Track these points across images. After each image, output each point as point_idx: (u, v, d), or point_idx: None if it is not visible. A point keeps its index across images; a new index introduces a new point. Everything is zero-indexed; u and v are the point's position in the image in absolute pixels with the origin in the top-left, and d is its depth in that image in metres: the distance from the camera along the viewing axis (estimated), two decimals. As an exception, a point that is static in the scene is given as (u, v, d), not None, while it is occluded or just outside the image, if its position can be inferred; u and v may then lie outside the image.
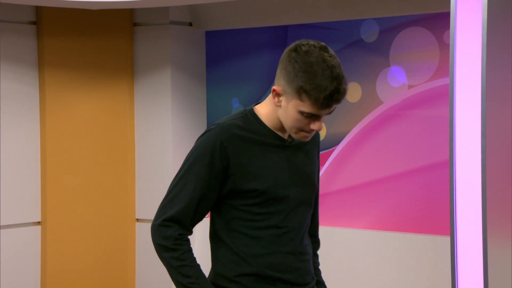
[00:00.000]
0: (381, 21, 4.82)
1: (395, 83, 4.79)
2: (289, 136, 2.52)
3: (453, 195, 3.41)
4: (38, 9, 5.23)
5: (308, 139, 2.48)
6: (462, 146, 3.40)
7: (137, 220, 5.52)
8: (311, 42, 2.53)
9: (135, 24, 5.48)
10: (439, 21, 4.60)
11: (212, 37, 5.49)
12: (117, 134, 5.45)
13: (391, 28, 4.80)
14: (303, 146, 2.56)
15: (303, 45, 2.52)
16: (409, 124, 4.75)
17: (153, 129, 5.43)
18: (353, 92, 4.93)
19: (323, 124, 2.67)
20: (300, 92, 2.38)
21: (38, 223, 5.28)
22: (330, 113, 2.42)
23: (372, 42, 4.87)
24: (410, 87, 4.74)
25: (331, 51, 2.45)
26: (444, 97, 4.51)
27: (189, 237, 2.67)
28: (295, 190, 2.54)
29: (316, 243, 2.73)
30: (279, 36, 5.19)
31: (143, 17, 5.46)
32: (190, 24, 5.47)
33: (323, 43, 2.51)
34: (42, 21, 5.21)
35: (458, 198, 3.40)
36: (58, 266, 5.28)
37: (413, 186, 4.72)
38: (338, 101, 2.38)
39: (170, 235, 2.63)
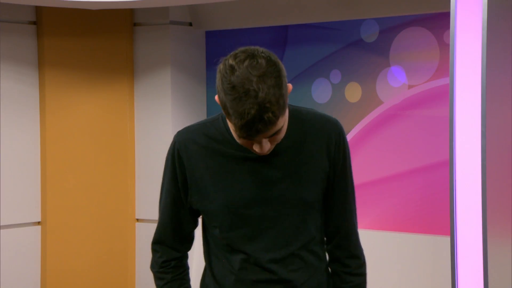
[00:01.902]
0: (381, 21, 4.82)
1: (395, 83, 4.79)
2: None
3: (453, 195, 3.41)
4: (38, 9, 5.23)
5: (265, 153, 2.06)
6: (462, 146, 3.40)
7: (137, 220, 5.52)
8: (242, 54, 2.03)
9: (135, 24, 5.48)
10: (439, 21, 4.60)
11: (212, 37, 5.49)
12: (117, 134, 5.45)
13: (391, 28, 4.80)
14: (291, 149, 2.15)
15: (233, 56, 2.05)
16: (409, 124, 4.75)
17: (153, 129, 5.43)
18: (353, 92, 4.93)
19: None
20: (226, 112, 2.02)
21: (38, 223, 5.28)
22: (271, 136, 2.02)
23: (372, 42, 4.87)
24: (410, 87, 4.74)
25: (265, 67, 1.99)
26: (444, 97, 4.51)
27: (185, 254, 2.39)
28: (262, 208, 2.16)
29: (347, 267, 2.28)
30: (279, 36, 5.19)
31: (143, 17, 5.46)
32: (190, 24, 5.46)
33: (260, 53, 2.02)
34: (42, 21, 5.21)
35: (458, 198, 3.40)
36: (58, 266, 5.28)
37: (413, 186, 4.72)
38: (261, 131, 1.97)
39: (155, 262, 2.37)
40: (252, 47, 2.06)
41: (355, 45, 4.92)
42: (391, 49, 4.80)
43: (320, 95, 5.06)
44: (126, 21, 5.43)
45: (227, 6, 5.24)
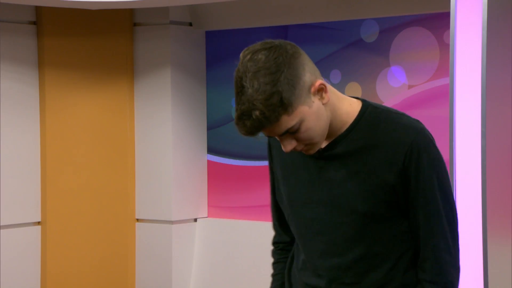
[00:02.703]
0: (381, 21, 4.82)
1: (395, 83, 4.79)
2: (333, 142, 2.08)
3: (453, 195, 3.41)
4: (38, 9, 5.23)
5: (308, 153, 2.02)
6: (462, 146, 3.40)
7: (137, 220, 5.51)
8: (253, 47, 2.00)
9: (135, 24, 5.48)
10: (439, 21, 4.61)
11: (212, 37, 5.49)
12: (117, 134, 5.45)
13: (391, 28, 4.80)
14: (356, 154, 2.05)
15: (247, 48, 2.01)
16: (409, 124, 4.74)
17: (153, 129, 5.43)
18: (353, 92, 4.93)
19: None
20: None
21: (38, 223, 5.28)
22: (287, 133, 1.97)
23: (372, 42, 4.87)
24: (410, 87, 4.74)
25: (262, 63, 1.94)
26: (444, 97, 4.51)
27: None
28: (316, 210, 2.10)
29: None
30: (279, 36, 5.18)
31: (143, 17, 5.46)
32: (190, 24, 5.47)
33: (268, 47, 1.99)
34: (42, 21, 5.21)
35: (458, 198, 3.40)
36: (58, 266, 5.28)
37: (413, 186, 4.72)
38: (252, 129, 1.93)
39: (272, 240, 2.33)
40: (274, 40, 2.02)
41: (355, 45, 4.92)
42: (391, 49, 4.80)
43: (320, 95, 5.06)
44: (126, 21, 5.43)
45: (227, 6, 5.24)
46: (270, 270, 2.35)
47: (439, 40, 4.63)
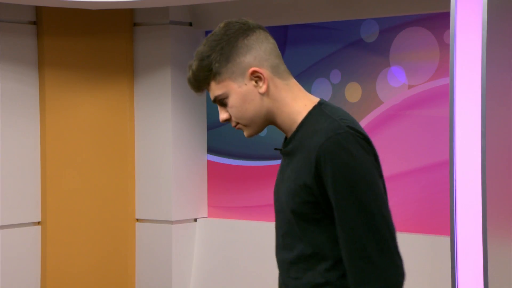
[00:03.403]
0: (381, 21, 4.82)
1: (395, 83, 4.79)
2: (289, 139, 2.17)
3: (453, 195, 3.41)
4: (38, 9, 5.23)
5: (245, 134, 2.19)
6: (462, 146, 3.40)
7: (137, 220, 5.52)
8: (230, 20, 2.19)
9: (135, 24, 5.48)
10: (439, 21, 4.60)
11: (212, 37, 5.49)
12: (117, 134, 5.45)
13: (391, 28, 4.80)
14: (295, 154, 2.13)
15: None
16: (409, 124, 4.75)
17: (153, 129, 5.43)
18: (353, 92, 4.93)
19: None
20: None
21: (38, 223, 5.28)
22: (216, 102, 2.17)
23: (372, 42, 4.87)
24: (410, 87, 4.74)
25: (216, 32, 2.14)
26: (444, 97, 4.51)
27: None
28: (276, 205, 2.21)
29: None
30: (279, 36, 5.19)
31: (143, 17, 5.46)
32: (190, 24, 5.47)
33: (229, 22, 2.17)
34: (42, 21, 5.21)
35: (458, 198, 3.40)
36: (58, 266, 5.28)
37: (413, 186, 4.72)
38: (189, 80, 2.18)
39: None
40: (249, 21, 2.17)
41: (355, 45, 4.92)
42: (391, 49, 4.80)
43: (320, 95, 5.02)
44: (126, 21, 5.43)
45: (227, 6, 5.24)
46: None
47: (439, 40, 4.63)
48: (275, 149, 2.24)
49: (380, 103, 4.84)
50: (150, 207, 5.45)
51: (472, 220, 3.37)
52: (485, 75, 3.30)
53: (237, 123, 2.19)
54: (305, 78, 5.09)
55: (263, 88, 2.13)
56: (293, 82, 2.18)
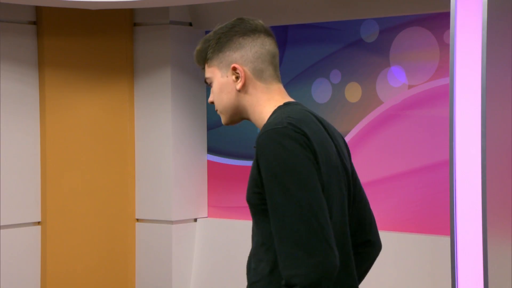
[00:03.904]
0: (381, 21, 4.82)
1: (395, 83, 4.79)
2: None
3: (453, 195, 3.41)
4: (38, 9, 5.23)
5: (222, 121, 2.42)
6: (462, 146, 3.40)
7: (137, 220, 5.52)
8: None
9: (135, 24, 5.48)
10: (439, 21, 4.60)
11: (212, 37, 5.49)
12: (117, 134, 5.45)
13: (391, 28, 4.80)
14: None
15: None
16: (409, 124, 4.75)
17: (153, 129, 5.43)
18: (353, 92, 4.93)
19: None
20: None
21: (38, 223, 5.28)
22: (206, 82, 2.40)
23: (372, 42, 4.87)
24: (410, 87, 4.74)
25: (225, 24, 2.37)
26: (444, 97, 4.51)
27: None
28: None
29: None
30: (279, 36, 5.19)
31: (143, 17, 5.46)
32: (190, 24, 5.47)
33: (239, 19, 2.39)
34: (42, 21, 5.21)
35: (458, 198, 3.40)
36: (58, 266, 5.28)
37: (413, 186, 4.72)
38: (194, 56, 2.42)
39: None
40: (259, 23, 2.37)
41: (355, 45, 4.92)
42: (391, 49, 4.80)
43: (320, 95, 5.06)
44: (126, 21, 5.43)
45: (227, 6, 5.24)
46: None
47: (439, 40, 4.63)
48: (254, 147, 2.30)
49: (380, 103, 4.84)
50: (150, 207, 5.45)
51: (472, 220, 3.37)
52: (485, 75, 3.30)
53: (217, 110, 2.40)
54: (305, 78, 5.09)
55: (238, 85, 2.31)
56: (277, 87, 2.32)
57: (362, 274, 2.47)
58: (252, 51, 2.31)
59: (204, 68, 2.40)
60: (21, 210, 5.19)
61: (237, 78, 2.31)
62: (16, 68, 5.16)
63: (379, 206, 4.82)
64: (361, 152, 4.90)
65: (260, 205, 2.18)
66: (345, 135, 4.95)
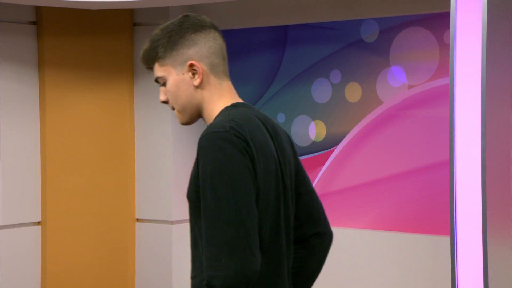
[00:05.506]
0: (381, 21, 4.82)
1: (395, 83, 4.79)
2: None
3: (453, 195, 3.41)
4: (38, 9, 5.23)
5: (178, 120, 2.38)
6: (462, 146, 3.40)
7: (137, 220, 5.52)
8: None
9: (135, 24, 5.48)
10: (439, 21, 4.61)
11: (212, 37, 5.49)
12: (117, 134, 5.45)
13: (391, 28, 4.80)
14: None
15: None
16: (409, 124, 4.75)
17: (153, 129, 5.43)
18: (353, 92, 4.93)
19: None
20: None
21: (38, 223, 5.28)
22: (158, 82, 2.36)
23: (372, 42, 4.87)
24: (410, 87, 4.74)
25: (170, 22, 2.37)
26: (444, 97, 4.51)
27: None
28: None
29: None
30: (279, 36, 5.19)
31: (143, 17, 5.46)
32: (190, 24, 5.46)
33: (186, 16, 2.41)
34: (42, 21, 5.21)
35: (458, 198, 3.40)
36: (58, 266, 5.28)
37: (413, 186, 4.72)
38: (141, 58, 2.37)
39: None
40: (205, 18, 2.39)
41: (355, 45, 4.92)
42: (391, 49, 4.80)
43: (320, 95, 5.06)
44: (126, 21, 5.43)
45: (227, 6, 5.24)
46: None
47: (439, 40, 4.63)
48: None
49: (380, 103, 4.84)
50: (150, 207, 5.45)
51: (472, 220, 3.37)
52: (485, 75, 3.30)
53: (174, 108, 2.36)
54: (305, 78, 5.09)
55: (197, 81, 2.30)
56: (227, 84, 2.34)
57: (316, 267, 2.49)
58: (206, 47, 2.32)
59: (151, 68, 2.37)
60: (21, 210, 5.19)
61: (193, 74, 2.31)
62: (16, 68, 5.16)
63: (379, 206, 4.82)
64: (361, 152, 4.90)
65: (199, 203, 2.21)
66: (345, 135, 4.95)
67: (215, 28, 2.37)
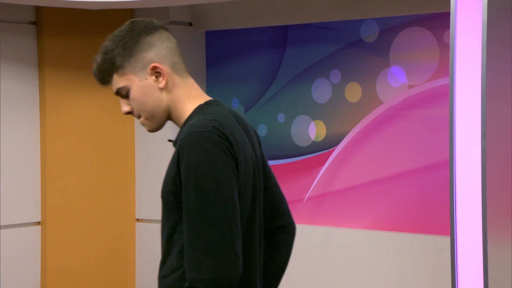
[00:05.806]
0: (381, 21, 4.83)
1: (395, 83, 4.79)
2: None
3: (453, 195, 3.41)
4: (38, 9, 5.23)
5: (146, 128, 2.37)
6: (462, 146, 3.40)
7: (137, 220, 5.52)
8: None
9: (135, 24, 5.48)
10: (439, 21, 4.61)
11: (212, 37, 5.49)
12: (117, 134, 5.45)
13: (391, 28, 4.80)
14: (175, 147, 2.28)
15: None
16: (409, 124, 4.75)
17: (153, 129, 5.42)
18: (353, 92, 4.93)
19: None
20: None
21: (38, 223, 5.28)
22: (119, 94, 2.28)
23: (372, 42, 4.87)
24: (410, 87, 4.74)
25: (119, 30, 2.31)
26: (444, 97, 4.51)
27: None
28: None
29: None
30: (279, 36, 5.19)
31: (143, 17, 5.44)
32: (190, 24, 5.46)
33: (135, 21, 2.36)
34: (42, 21, 5.21)
35: (458, 198, 3.40)
36: (58, 266, 5.28)
37: (413, 186, 4.72)
38: (95, 74, 2.31)
39: None
40: (155, 21, 2.34)
41: (355, 45, 4.92)
42: (391, 49, 4.80)
43: (320, 95, 5.06)
44: (126, 21, 5.42)
45: (227, 6, 5.24)
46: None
47: (439, 40, 4.63)
48: (169, 140, 2.41)
49: (380, 103, 4.84)
50: (150, 207, 5.45)
51: (472, 220, 3.37)
52: (485, 75, 3.30)
53: (140, 116, 2.32)
54: (305, 78, 5.09)
55: (162, 83, 2.25)
56: (191, 81, 2.30)
57: (283, 262, 2.47)
58: (163, 47, 2.27)
59: (108, 82, 2.29)
60: (21, 210, 5.19)
61: (157, 77, 2.25)
62: (16, 68, 5.16)
63: (379, 206, 4.82)
64: (361, 152, 4.90)
65: (175, 204, 2.23)
66: (345, 135, 4.95)
67: (165, 28, 2.32)
